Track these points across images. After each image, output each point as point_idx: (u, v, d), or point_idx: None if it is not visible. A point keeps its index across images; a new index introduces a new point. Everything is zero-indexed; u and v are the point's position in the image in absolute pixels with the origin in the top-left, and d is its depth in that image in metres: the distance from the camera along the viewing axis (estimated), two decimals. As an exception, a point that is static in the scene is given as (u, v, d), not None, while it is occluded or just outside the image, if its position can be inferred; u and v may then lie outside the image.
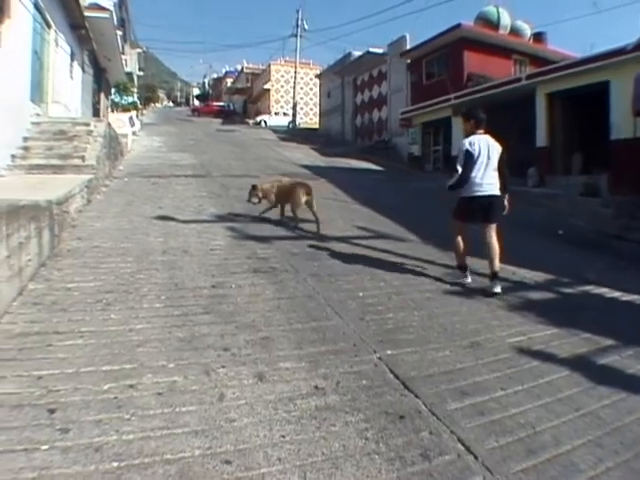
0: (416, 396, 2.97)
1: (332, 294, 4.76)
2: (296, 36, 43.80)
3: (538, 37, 25.19)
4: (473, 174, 5.23)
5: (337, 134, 34.42)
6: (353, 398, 2.90)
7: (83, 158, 9.16)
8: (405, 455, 2.41)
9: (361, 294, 4.84)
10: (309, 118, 48.60)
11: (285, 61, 51.21)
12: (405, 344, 3.73)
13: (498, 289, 5.15)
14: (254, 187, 7.89)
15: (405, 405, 2.87)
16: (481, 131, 5.42)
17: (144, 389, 2.84)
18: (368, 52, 29.19)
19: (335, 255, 6.26)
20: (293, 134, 34.55)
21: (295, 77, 43.81)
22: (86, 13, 15.67)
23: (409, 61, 25.92)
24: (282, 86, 50.96)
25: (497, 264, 5.23)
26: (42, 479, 2.08)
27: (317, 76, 41.40)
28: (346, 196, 11.93)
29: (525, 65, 23.27)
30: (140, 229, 6.75)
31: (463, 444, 2.53)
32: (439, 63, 23.69)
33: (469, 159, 5.21)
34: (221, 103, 56.95)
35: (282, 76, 51.22)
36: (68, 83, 15.81)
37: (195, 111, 52.86)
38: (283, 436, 2.50)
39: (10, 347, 3.25)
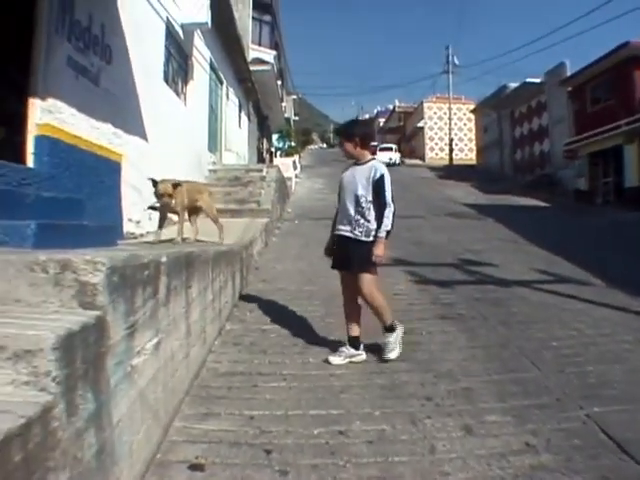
0: (637, 462, 2.68)
1: (525, 343, 4.61)
2: (447, 72, 44.23)
3: None
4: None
5: (496, 169, 33.56)
6: (567, 458, 2.72)
7: (258, 203, 10.03)
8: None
9: (555, 344, 4.63)
10: (464, 154, 47.89)
11: (437, 98, 51.28)
12: (611, 401, 3.43)
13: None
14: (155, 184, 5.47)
15: (625, 471, 2.62)
16: (369, 153, 4.34)
17: (354, 436, 2.93)
18: (525, 83, 28.42)
19: (519, 301, 6.10)
20: (450, 171, 34.34)
21: (450, 114, 43.77)
22: (250, 67, 17.41)
23: (570, 89, 24.57)
24: (435, 123, 50.84)
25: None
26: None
27: (472, 111, 41.05)
28: (517, 236, 11.58)
29: None
30: (321, 272, 7.05)
31: None
32: (605, 87, 22.08)
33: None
34: (374, 143, 58.34)
35: (435, 113, 51.17)
36: (237, 132, 17.51)
37: (348, 152, 54.83)
38: (502, 495, 2.41)
39: (219, 385, 3.62)
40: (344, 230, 4.21)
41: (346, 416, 3.17)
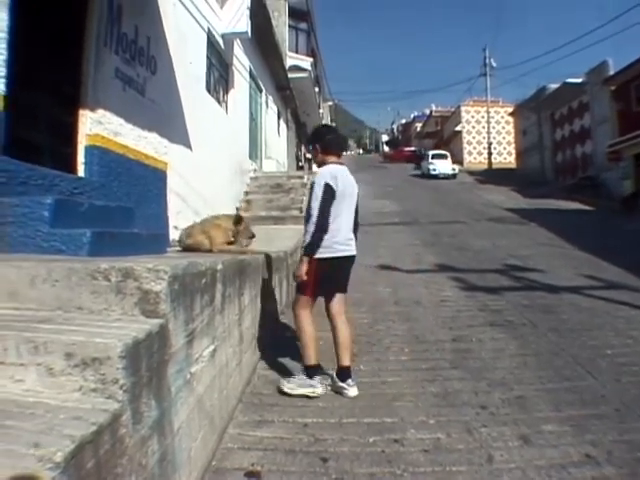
0: None
1: (578, 351, 4.49)
2: (485, 75, 43.71)
3: None
4: (333, 223, 3.62)
5: (536, 173, 32.71)
6: (632, 472, 2.60)
7: (301, 209, 10.04)
8: None
9: (609, 352, 4.49)
10: (503, 158, 47.03)
11: (474, 101, 50.51)
12: (675, 414, 3.29)
13: (351, 391, 3.58)
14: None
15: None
16: (335, 159, 3.83)
17: (409, 445, 2.89)
18: (565, 83, 27.54)
19: (569, 307, 5.98)
20: (489, 175, 33.80)
21: (488, 117, 43.16)
22: (288, 75, 17.58)
23: (613, 88, 23.70)
24: (473, 127, 50.01)
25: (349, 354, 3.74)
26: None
27: (510, 114, 40.22)
28: (562, 241, 11.38)
29: None
30: (366, 279, 7.10)
31: None
32: (652, 84, 21.13)
33: (329, 199, 3.57)
34: (412, 148, 57.97)
35: (472, 117, 50.34)
36: (276, 139, 17.64)
37: (386, 157, 54.67)
38: (564, 507, 2.34)
39: (271, 392, 3.64)
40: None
41: (400, 424, 3.13)
